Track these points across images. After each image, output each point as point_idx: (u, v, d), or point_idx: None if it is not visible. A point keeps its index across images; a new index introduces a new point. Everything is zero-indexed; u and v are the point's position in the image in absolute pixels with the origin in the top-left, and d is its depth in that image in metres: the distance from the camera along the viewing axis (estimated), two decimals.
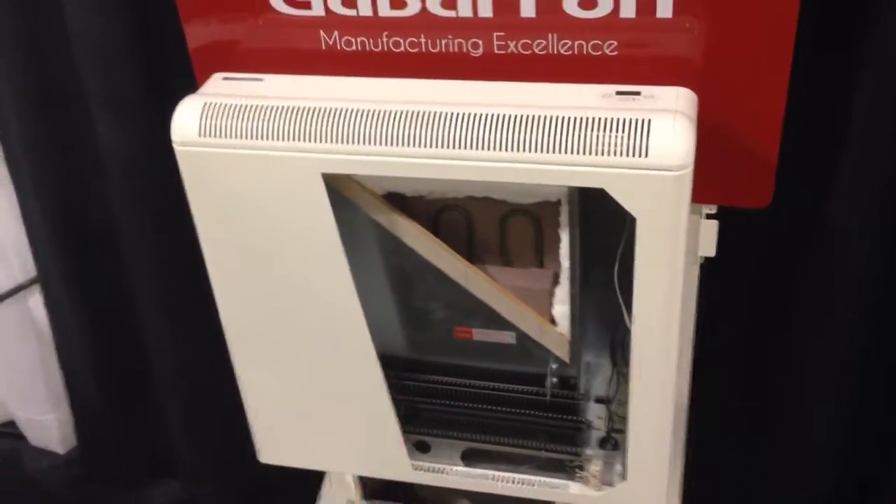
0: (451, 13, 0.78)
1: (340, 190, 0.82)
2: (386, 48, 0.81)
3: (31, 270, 1.44)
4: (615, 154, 0.70)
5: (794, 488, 1.22)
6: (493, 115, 0.73)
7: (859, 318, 1.03)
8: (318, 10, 0.81)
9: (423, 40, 0.80)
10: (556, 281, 0.86)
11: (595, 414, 0.96)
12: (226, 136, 0.78)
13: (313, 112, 0.76)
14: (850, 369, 1.08)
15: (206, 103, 0.79)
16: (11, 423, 1.69)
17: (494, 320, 0.88)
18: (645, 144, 0.69)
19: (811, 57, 0.81)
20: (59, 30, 1.09)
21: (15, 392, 1.62)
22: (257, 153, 0.78)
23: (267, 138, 0.77)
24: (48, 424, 1.64)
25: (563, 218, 0.82)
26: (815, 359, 1.09)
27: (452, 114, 0.74)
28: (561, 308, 0.87)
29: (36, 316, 1.50)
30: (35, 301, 1.48)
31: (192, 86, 0.85)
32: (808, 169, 0.94)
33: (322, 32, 0.82)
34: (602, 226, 0.80)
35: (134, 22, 1.06)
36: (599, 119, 0.70)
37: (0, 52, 1.14)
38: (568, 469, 0.96)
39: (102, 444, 1.56)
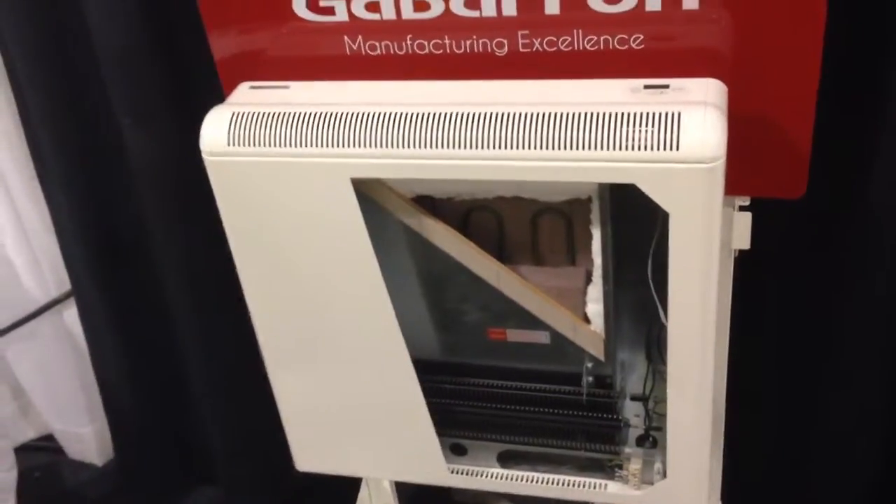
0: (474, 13, 0.77)
1: (370, 194, 0.82)
2: (410, 51, 0.81)
3: (65, 284, 1.45)
4: (646, 148, 0.69)
5: (834, 483, 1.20)
6: (521, 114, 0.72)
7: None
8: (341, 15, 0.81)
9: (447, 41, 0.80)
10: (588, 279, 0.86)
11: (632, 412, 0.95)
12: (255, 145, 0.78)
13: (341, 117, 0.76)
14: (892, 364, 1.06)
15: (234, 113, 0.79)
16: (50, 437, 1.71)
17: (528, 320, 0.87)
18: (676, 138, 0.68)
19: (843, 43, 0.80)
20: (85, 44, 1.10)
21: (52, 405, 1.63)
22: (286, 160, 0.78)
23: (295, 145, 0.77)
24: (86, 437, 1.65)
25: (595, 215, 0.81)
26: (855, 351, 1.07)
27: (480, 114, 0.73)
28: (594, 306, 0.86)
29: (71, 329, 1.52)
30: (70, 314, 1.50)
31: (218, 95, 0.85)
32: (843, 157, 0.93)
33: (346, 38, 0.82)
34: (634, 222, 0.80)
35: (159, 32, 1.07)
36: (629, 114, 0.70)
37: (29, 69, 1.15)
38: (607, 468, 0.95)
39: (140, 455, 1.57)
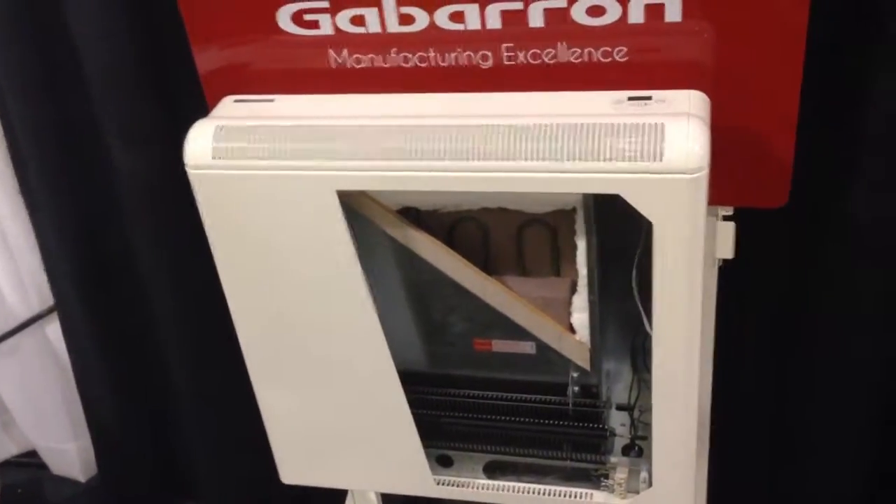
0: (459, 26, 0.78)
1: (355, 206, 0.82)
2: (395, 64, 0.81)
3: (48, 299, 1.44)
4: (630, 159, 0.69)
5: (819, 491, 1.21)
6: (505, 126, 0.73)
7: (882, 316, 1.02)
8: (326, 29, 0.81)
9: (432, 55, 0.80)
10: (573, 289, 0.86)
11: (618, 421, 0.96)
12: (239, 158, 0.78)
13: (326, 130, 0.77)
14: (877, 371, 1.07)
15: (218, 126, 0.79)
16: (33, 453, 1.70)
17: (513, 331, 0.88)
18: (659, 148, 0.69)
19: (824, 53, 0.80)
20: (72, 60, 1.10)
21: (35, 422, 1.62)
22: (271, 173, 0.78)
23: (280, 158, 0.77)
24: (69, 453, 1.64)
25: (579, 226, 0.82)
26: (838, 359, 1.08)
27: (465, 126, 0.74)
28: (579, 316, 0.86)
29: (54, 345, 1.51)
30: (53, 330, 1.49)
31: (203, 110, 0.85)
32: (824, 167, 0.94)
33: (331, 51, 0.82)
34: (618, 232, 0.80)
35: (144, 50, 1.07)
36: (613, 125, 0.70)
37: (14, 85, 1.15)
38: (593, 478, 0.95)
39: (124, 472, 1.56)
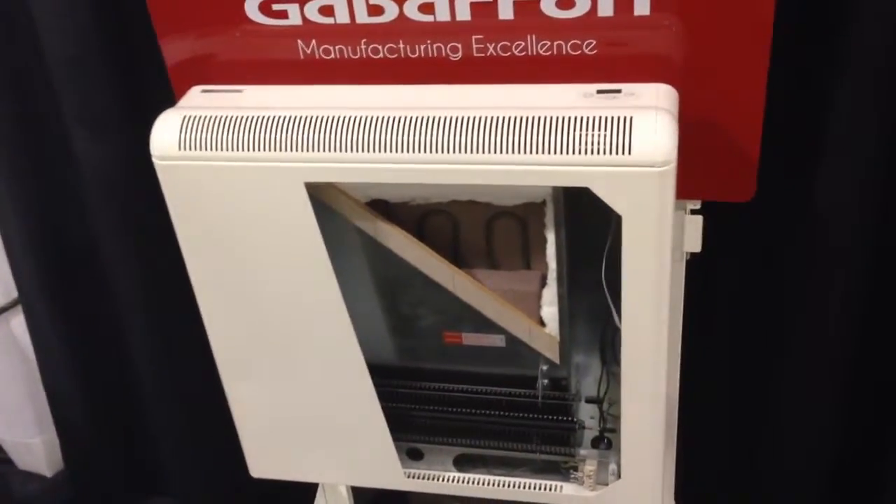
0: (428, 18, 0.78)
1: (324, 199, 0.81)
2: (365, 55, 0.81)
3: (11, 292, 1.42)
4: (598, 152, 0.70)
5: (786, 483, 1.22)
6: (474, 118, 0.73)
7: (849, 310, 1.03)
8: (295, 19, 0.81)
9: (401, 46, 0.80)
10: (543, 282, 0.86)
11: (587, 414, 0.96)
12: (206, 149, 0.77)
13: (294, 121, 0.76)
14: (840, 363, 1.08)
15: (185, 116, 0.78)
16: None
17: (483, 324, 0.88)
18: (628, 142, 0.69)
19: (791, 49, 0.81)
20: (33, 48, 1.09)
21: (0, 415, 1.60)
22: (238, 164, 0.77)
23: (248, 149, 0.77)
24: (35, 447, 1.62)
25: (549, 219, 0.82)
26: (804, 352, 1.09)
27: (434, 118, 0.73)
28: (549, 309, 0.87)
29: (19, 338, 1.49)
30: (18, 322, 1.47)
31: (170, 100, 0.84)
32: (791, 161, 0.95)
33: (300, 42, 0.82)
34: (588, 225, 0.80)
35: (109, 39, 1.05)
36: (581, 118, 0.70)
37: None
38: (562, 470, 0.96)
39: (90, 466, 1.55)
